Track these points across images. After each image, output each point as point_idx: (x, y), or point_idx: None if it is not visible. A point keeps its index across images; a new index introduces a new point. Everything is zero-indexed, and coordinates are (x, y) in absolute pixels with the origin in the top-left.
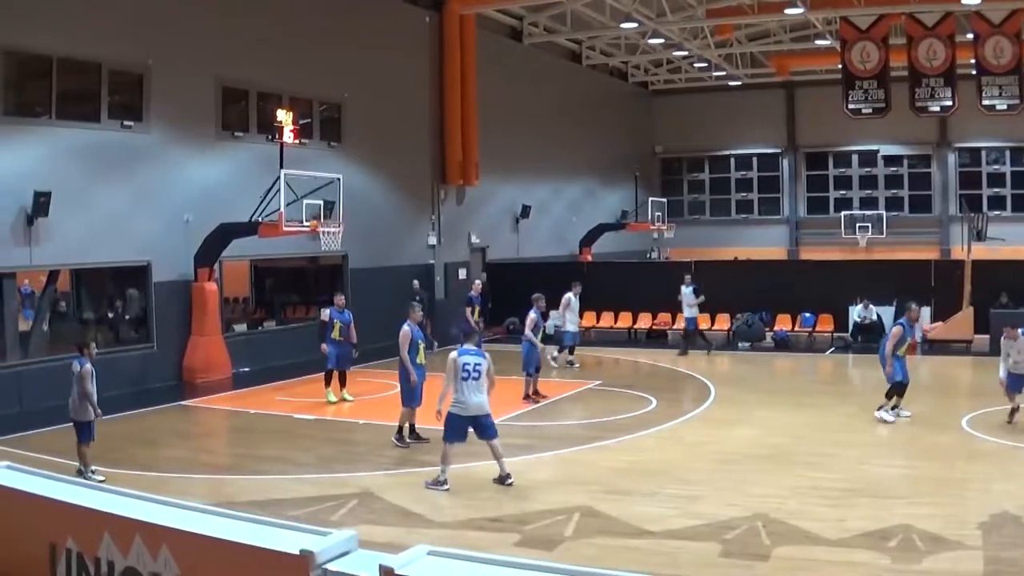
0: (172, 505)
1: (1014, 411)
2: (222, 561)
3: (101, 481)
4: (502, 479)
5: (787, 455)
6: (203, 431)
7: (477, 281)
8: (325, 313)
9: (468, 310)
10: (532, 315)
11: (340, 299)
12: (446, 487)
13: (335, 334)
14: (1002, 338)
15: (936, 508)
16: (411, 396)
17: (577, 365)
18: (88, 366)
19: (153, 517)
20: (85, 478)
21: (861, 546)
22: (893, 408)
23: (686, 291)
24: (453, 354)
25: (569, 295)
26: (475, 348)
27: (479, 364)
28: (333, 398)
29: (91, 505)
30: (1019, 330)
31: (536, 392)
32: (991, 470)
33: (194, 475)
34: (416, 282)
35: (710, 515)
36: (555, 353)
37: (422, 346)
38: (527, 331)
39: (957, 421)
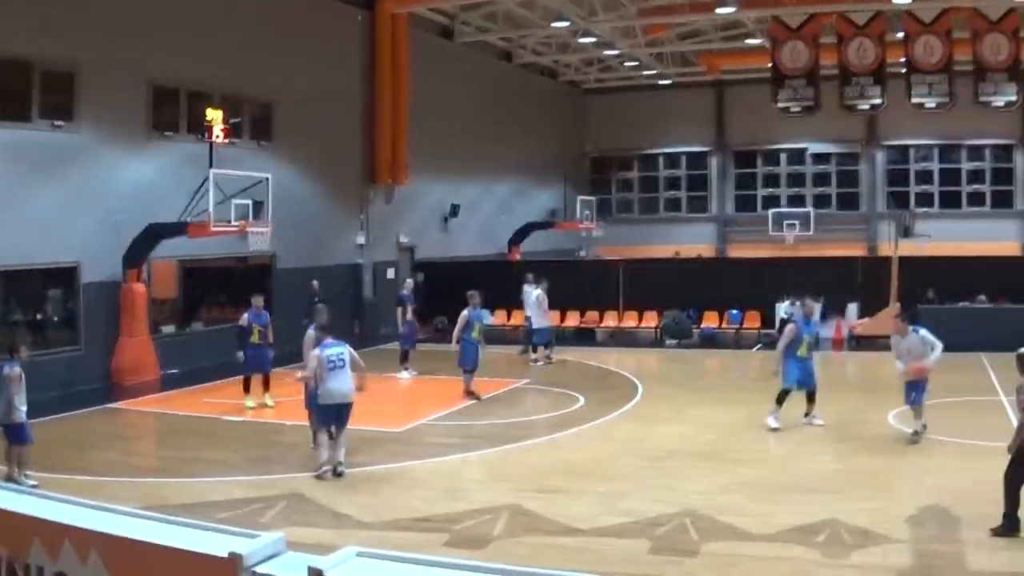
0: (101, 509)
1: (916, 433)
2: (152, 565)
3: (34, 486)
4: (336, 469)
5: (716, 452)
6: (132, 433)
7: (409, 280)
8: (244, 318)
9: (400, 309)
10: (464, 313)
11: (259, 300)
12: (326, 469)
13: (254, 338)
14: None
15: (864, 503)
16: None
17: (539, 362)
18: (17, 369)
19: (82, 521)
20: (16, 483)
21: (790, 541)
22: (807, 415)
23: (528, 289)
24: (316, 351)
25: (531, 290)
26: (335, 340)
27: (341, 354)
28: (251, 403)
29: (18, 510)
30: (911, 326)
31: (470, 391)
32: (918, 464)
33: (124, 478)
34: (315, 283)
35: (639, 512)
36: (533, 354)
37: (477, 325)
38: (456, 330)
39: (883, 416)
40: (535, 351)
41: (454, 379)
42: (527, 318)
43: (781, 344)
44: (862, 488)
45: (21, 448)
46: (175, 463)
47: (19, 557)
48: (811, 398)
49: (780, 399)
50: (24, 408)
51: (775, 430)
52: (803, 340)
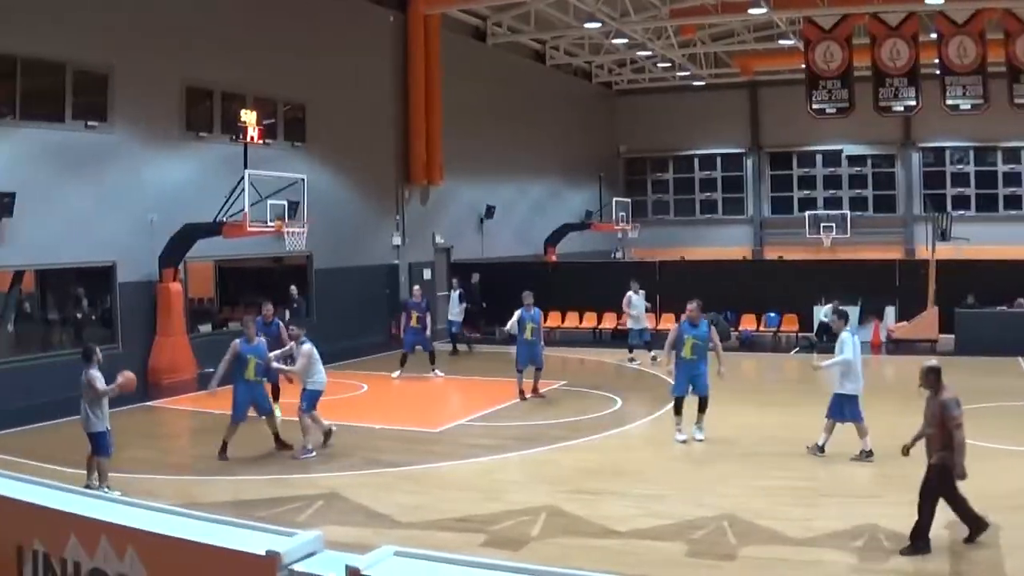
0: (138, 506)
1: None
2: (188, 562)
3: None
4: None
5: (753, 455)
6: (169, 432)
7: (416, 287)
8: (236, 344)
9: (404, 315)
10: (517, 313)
11: (268, 309)
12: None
13: (249, 372)
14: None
15: (902, 508)
16: None
17: (636, 363)
18: (95, 371)
19: (119, 518)
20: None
21: (828, 545)
22: (696, 424)
23: (453, 295)
24: (307, 347)
25: (629, 293)
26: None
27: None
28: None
29: (57, 506)
30: (693, 303)
31: (534, 390)
32: None
33: (160, 476)
34: (294, 288)
35: (676, 515)
36: (630, 354)
37: (530, 325)
38: (506, 328)
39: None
40: (639, 350)
41: (486, 380)
42: (633, 319)
43: (666, 345)
44: (900, 493)
45: (99, 459)
46: (212, 461)
47: (56, 552)
48: (703, 408)
49: (677, 408)
50: (103, 417)
51: (684, 442)
52: (684, 341)
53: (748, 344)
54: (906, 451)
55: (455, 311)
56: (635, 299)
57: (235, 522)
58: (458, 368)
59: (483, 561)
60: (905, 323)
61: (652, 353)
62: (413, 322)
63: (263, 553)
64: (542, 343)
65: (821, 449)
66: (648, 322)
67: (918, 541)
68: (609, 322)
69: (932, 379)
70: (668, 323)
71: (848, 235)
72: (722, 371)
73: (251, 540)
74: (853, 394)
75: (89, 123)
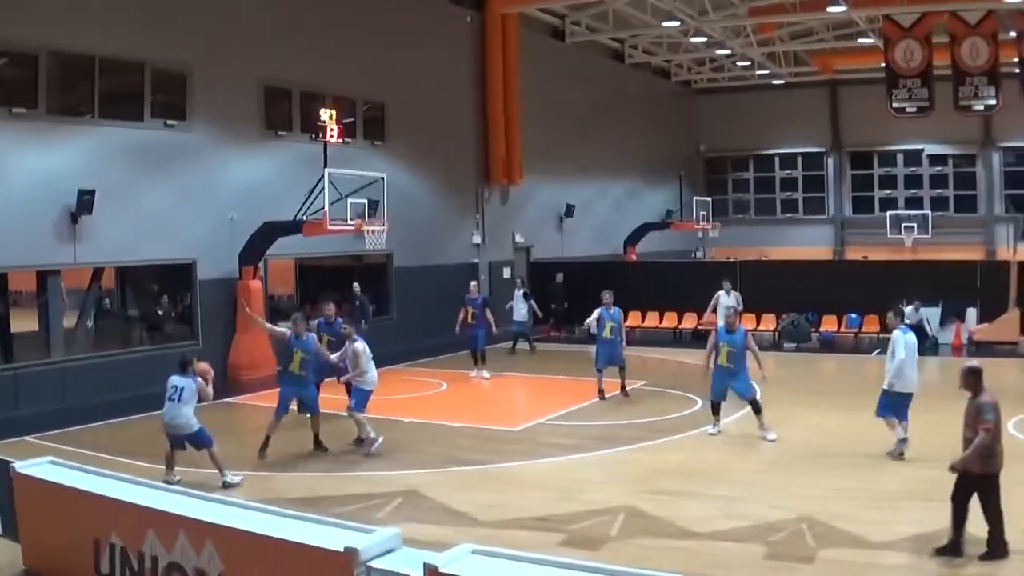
0: (217, 501)
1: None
2: (266, 557)
3: (230, 484)
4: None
5: (833, 457)
6: (248, 428)
7: (473, 283)
8: (287, 334)
9: (463, 312)
10: (597, 311)
11: (330, 308)
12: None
13: (293, 365)
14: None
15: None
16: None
17: None
18: (195, 383)
19: (198, 513)
20: (223, 485)
21: (907, 549)
22: (761, 428)
23: (517, 295)
24: (358, 344)
25: (719, 293)
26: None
27: None
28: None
29: (136, 501)
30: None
31: (622, 389)
32: None
33: (239, 472)
34: (357, 285)
35: (755, 516)
36: None
37: (609, 324)
38: (585, 325)
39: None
40: None
41: (566, 379)
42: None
43: (707, 351)
44: None
45: (210, 450)
46: (290, 458)
47: (134, 546)
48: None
49: (714, 410)
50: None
51: (713, 434)
52: (720, 348)
53: (828, 345)
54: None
55: (520, 311)
56: (722, 299)
57: (313, 518)
58: (538, 367)
59: (561, 560)
60: (986, 324)
61: None
62: (469, 318)
63: (341, 549)
64: (623, 342)
65: (901, 454)
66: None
67: (994, 550)
68: (689, 322)
69: (972, 381)
70: (747, 323)
71: (929, 235)
72: (765, 375)
73: (329, 536)
74: (900, 392)
75: (168, 122)
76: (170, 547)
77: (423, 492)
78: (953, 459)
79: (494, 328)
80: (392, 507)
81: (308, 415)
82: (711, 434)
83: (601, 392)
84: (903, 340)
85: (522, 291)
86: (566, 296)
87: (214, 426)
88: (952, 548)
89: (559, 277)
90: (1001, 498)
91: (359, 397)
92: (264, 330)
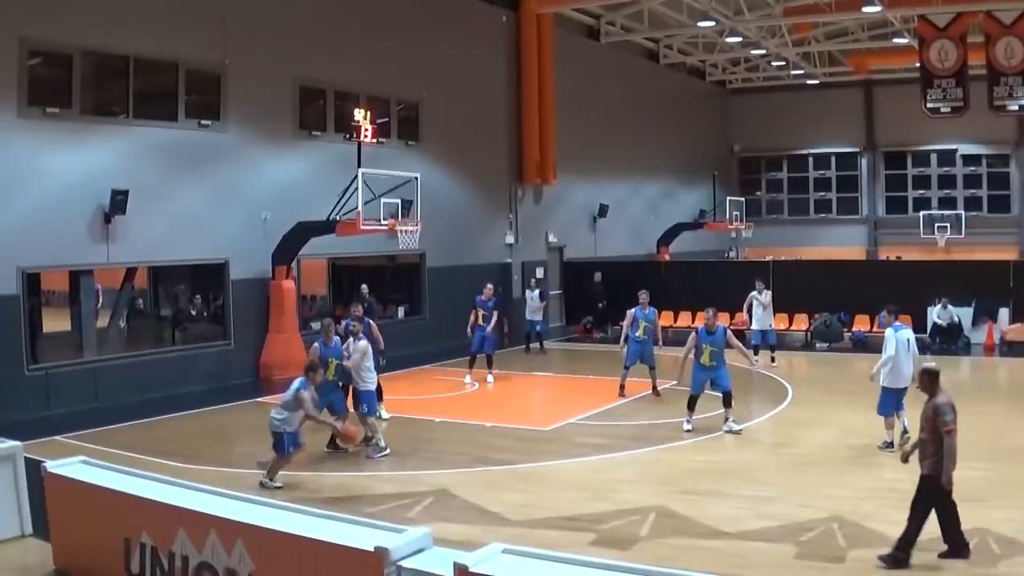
0: (248, 501)
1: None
2: (297, 557)
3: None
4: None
5: (864, 457)
6: None
7: (489, 285)
8: (315, 348)
9: (473, 314)
10: (629, 312)
11: (358, 310)
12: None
13: (328, 373)
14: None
15: (1014, 512)
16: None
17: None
18: (308, 394)
19: (229, 513)
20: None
21: (937, 549)
22: (729, 419)
23: (531, 294)
24: (363, 343)
25: (752, 293)
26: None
27: None
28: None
29: (166, 500)
30: (709, 311)
31: (653, 389)
32: None
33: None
34: (365, 287)
35: (785, 516)
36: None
37: (643, 324)
38: (624, 327)
39: None
40: (757, 352)
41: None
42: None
43: (685, 352)
44: (1011, 497)
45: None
46: (321, 458)
47: (164, 546)
48: (727, 402)
49: (690, 404)
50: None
51: (689, 431)
52: (703, 349)
53: (861, 345)
54: (905, 458)
55: (533, 310)
56: (755, 298)
57: (344, 517)
58: (570, 367)
59: (591, 560)
60: (1019, 324)
61: (757, 356)
62: (479, 320)
63: (371, 549)
64: (659, 343)
65: (890, 444)
66: (767, 324)
67: (898, 552)
68: (722, 322)
69: (927, 382)
70: (780, 323)
71: (963, 235)
72: (752, 363)
73: (359, 535)
74: (895, 388)
75: (202, 122)
76: (200, 547)
77: (453, 492)
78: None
79: (506, 328)
80: (422, 507)
81: (335, 415)
82: (687, 431)
83: (622, 388)
84: (894, 338)
85: (537, 291)
86: (575, 295)
87: (244, 425)
88: (952, 550)
89: (597, 276)
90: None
91: (369, 399)
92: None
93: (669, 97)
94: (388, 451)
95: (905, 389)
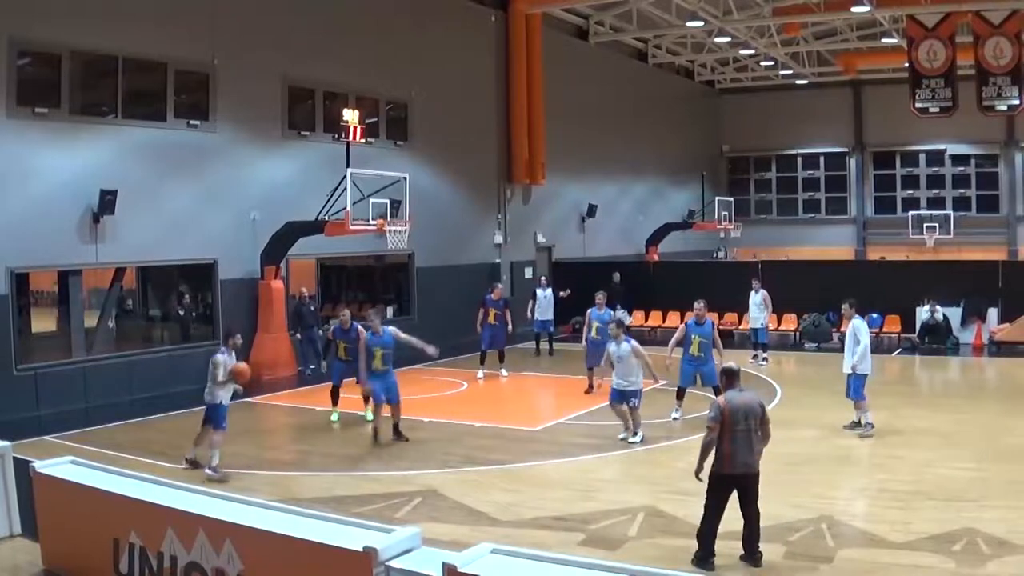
0: (236, 501)
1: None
2: (285, 557)
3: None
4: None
5: (853, 456)
6: (268, 427)
7: (499, 285)
8: (330, 331)
9: (482, 312)
10: (588, 312)
11: (345, 315)
12: None
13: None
14: None
15: (1004, 512)
16: None
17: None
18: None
19: (217, 513)
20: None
21: (926, 549)
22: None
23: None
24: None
25: (751, 292)
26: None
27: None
28: (336, 418)
29: (155, 500)
30: (700, 303)
31: (589, 387)
32: None
33: (259, 472)
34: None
35: (774, 516)
36: (763, 354)
37: (595, 324)
38: (584, 329)
39: None
40: (764, 350)
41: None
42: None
43: (673, 341)
44: (1001, 497)
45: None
46: (310, 457)
47: (153, 546)
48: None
49: (679, 395)
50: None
51: (676, 419)
52: (692, 340)
53: None
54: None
55: (544, 309)
56: (752, 297)
57: (332, 517)
58: (559, 367)
59: (580, 560)
60: (1007, 325)
61: (753, 354)
62: (490, 319)
63: (360, 549)
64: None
65: (860, 424)
66: (759, 323)
67: (701, 551)
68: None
69: (722, 380)
70: (770, 323)
71: (951, 235)
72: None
73: (348, 536)
74: (864, 373)
75: (191, 122)
76: (189, 547)
77: (442, 492)
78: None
79: (511, 327)
80: (411, 507)
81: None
82: (674, 419)
83: (591, 387)
84: (864, 327)
85: (549, 289)
86: (626, 296)
87: (232, 425)
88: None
89: (616, 277)
90: (722, 502)
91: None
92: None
93: (658, 97)
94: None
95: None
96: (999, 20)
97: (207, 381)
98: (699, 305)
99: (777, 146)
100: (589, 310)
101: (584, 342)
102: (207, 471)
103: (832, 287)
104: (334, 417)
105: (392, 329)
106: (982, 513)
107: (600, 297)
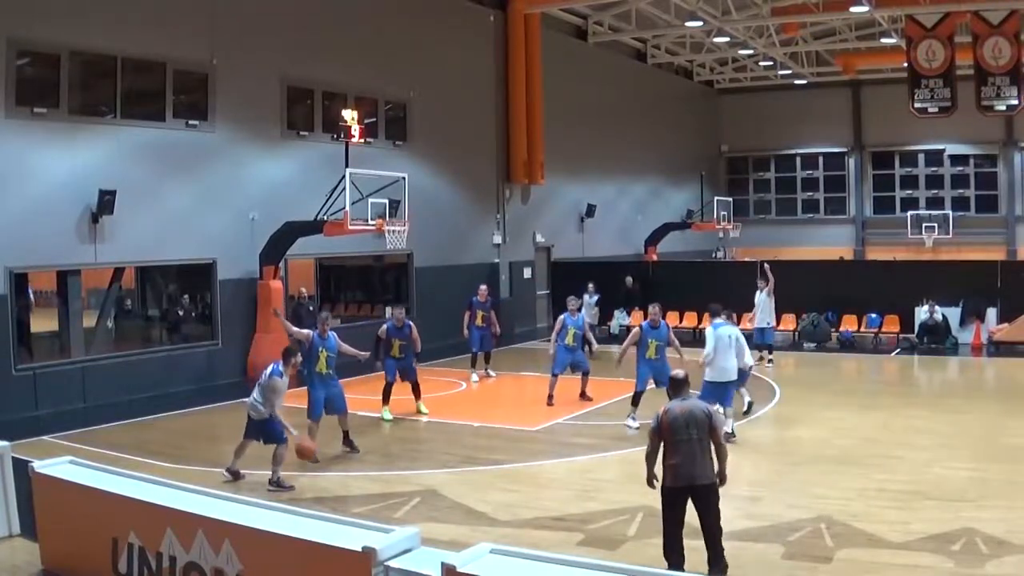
0: (235, 501)
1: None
2: (284, 557)
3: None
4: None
5: (852, 457)
6: None
7: (483, 287)
8: (382, 330)
9: (468, 315)
10: (560, 318)
11: (400, 312)
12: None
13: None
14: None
15: (1002, 512)
16: None
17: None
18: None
19: (217, 513)
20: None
21: (925, 549)
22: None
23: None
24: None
25: (757, 292)
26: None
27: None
28: (388, 416)
29: (154, 500)
30: (655, 306)
31: (582, 394)
32: None
33: (258, 471)
34: (303, 289)
35: (773, 516)
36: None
37: (571, 331)
38: (552, 334)
39: (1023, 424)
40: (770, 351)
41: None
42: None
43: (625, 344)
44: (1000, 497)
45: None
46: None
47: (152, 546)
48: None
49: (635, 400)
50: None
51: (636, 430)
52: (648, 344)
53: (848, 345)
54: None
55: (590, 315)
56: (757, 297)
57: (331, 517)
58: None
59: (579, 560)
60: (1006, 325)
61: (759, 355)
62: (478, 321)
63: (359, 549)
64: (590, 346)
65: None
66: (765, 323)
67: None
68: (709, 322)
69: (669, 389)
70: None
71: (950, 235)
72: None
73: (347, 536)
74: (716, 381)
75: (190, 122)
76: (188, 547)
77: (441, 492)
78: None
79: (497, 330)
80: (410, 507)
81: (336, 414)
82: (635, 428)
83: (550, 398)
84: (713, 335)
85: (596, 296)
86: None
87: (231, 425)
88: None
89: (629, 280)
90: (677, 515)
91: None
92: (286, 331)
93: (657, 97)
94: None
95: (731, 383)
96: (998, 20)
97: (255, 393)
98: (653, 309)
99: (776, 146)
100: (562, 315)
101: (553, 349)
102: (269, 486)
103: (831, 287)
104: (386, 415)
105: (336, 336)
106: (981, 513)
107: (572, 303)
